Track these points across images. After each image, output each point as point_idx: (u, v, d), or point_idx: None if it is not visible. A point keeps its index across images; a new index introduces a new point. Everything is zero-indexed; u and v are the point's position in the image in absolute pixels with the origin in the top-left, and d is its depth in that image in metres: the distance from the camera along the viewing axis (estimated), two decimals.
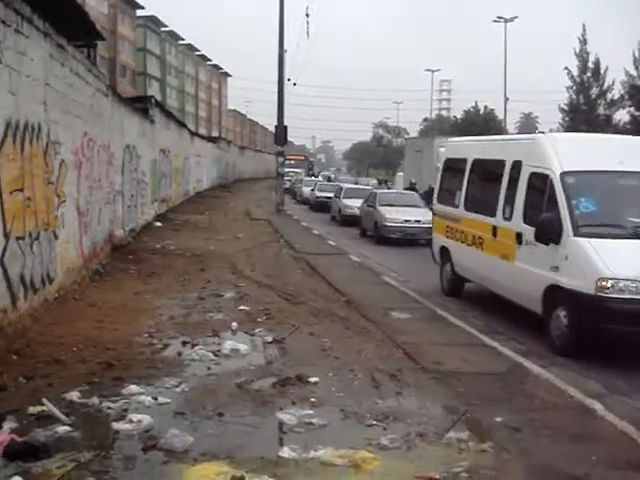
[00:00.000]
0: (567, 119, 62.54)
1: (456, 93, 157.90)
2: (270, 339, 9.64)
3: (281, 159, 36.30)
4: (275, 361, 8.69)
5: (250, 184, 70.77)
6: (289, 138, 38.37)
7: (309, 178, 55.43)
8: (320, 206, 37.55)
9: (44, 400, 6.64)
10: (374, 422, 6.67)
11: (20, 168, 9.11)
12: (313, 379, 7.83)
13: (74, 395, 6.96)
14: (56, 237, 10.99)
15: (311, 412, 6.81)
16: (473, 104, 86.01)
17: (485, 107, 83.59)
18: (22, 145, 9.22)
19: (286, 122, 35.99)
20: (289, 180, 51.67)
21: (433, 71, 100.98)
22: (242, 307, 11.68)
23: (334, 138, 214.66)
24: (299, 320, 10.89)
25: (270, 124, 73.38)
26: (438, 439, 6.31)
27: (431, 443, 6.24)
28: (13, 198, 8.79)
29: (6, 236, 8.54)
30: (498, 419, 6.90)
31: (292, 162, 65.15)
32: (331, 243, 22.94)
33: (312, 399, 7.20)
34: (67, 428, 6.15)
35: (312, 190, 41.37)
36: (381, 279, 15.78)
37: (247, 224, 28.09)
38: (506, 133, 77.16)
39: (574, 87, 60.65)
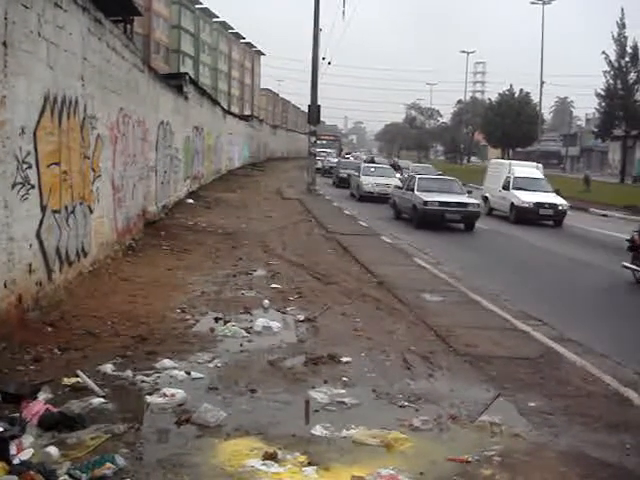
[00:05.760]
0: (604, 104, 61.71)
1: (491, 76, 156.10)
2: (302, 318, 9.65)
3: (313, 139, 36.19)
4: (307, 340, 8.70)
5: (282, 163, 70.79)
6: (321, 118, 38.14)
7: (371, 164, 41.40)
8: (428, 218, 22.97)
9: (79, 372, 6.72)
10: (406, 403, 6.66)
11: (57, 142, 9.17)
12: (345, 359, 7.83)
13: (108, 368, 7.04)
14: (91, 211, 11.07)
15: (343, 391, 6.82)
16: (508, 87, 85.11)
17: (520, 90, 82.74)
18: (60, 119, 9.27)
19: (319, 102, 35.87)
20: (320, 160, 51.10)
21: (468, 53, 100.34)
22: (274, 285, 11.71)
23: (366, 119, 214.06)
24: (331, 300, 10.90)
25: (302, 103, 73.43)
26: (470, 422, 6.29)
27: (463, 426, 6.21)
28: (50, 171, 8.86)
29: (43, 209, 8.63)
30: (531, 404, 6.85)
31: (324, 142, 64.98)
32: (362, 224, 22.87)
33: (344, 378, 7.21)
34: (101, 400, 6.22)
35: (405, 189, 25.31)
36: (413, 261, 15.72)
37: (278, 203, 28.13)
38: (541, 117, 76.60)
39: (611, 72, 59.77)
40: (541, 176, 28.95)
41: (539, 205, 26.01)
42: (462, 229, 23.45)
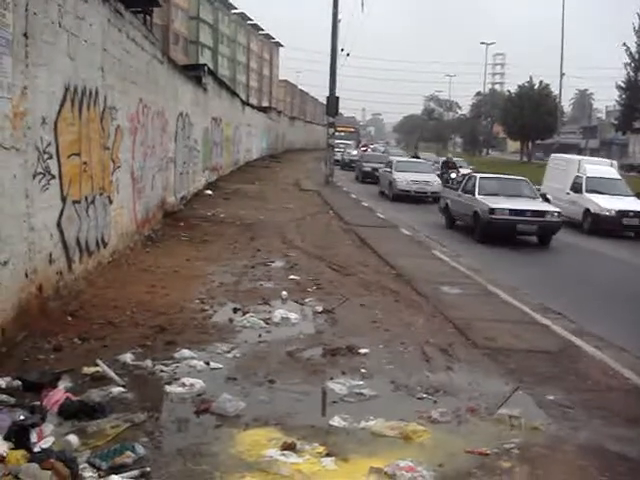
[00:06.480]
0: (624, 97, 61.19)
1: (510, 67, 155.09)
2: (320, 309, 9.65)
3: (331, 130, 36.10)
4: (325, 331, 8.71)
5: (299, 155, 70.66)
6: (339, 109, 37.96)
7: (404, 159, 38.95)
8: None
9: (98, 361, 6.76)
10: (425, 395, 6.65)
11: (77, 133, 9.21)
12: (363, 350, 7.83)
13: (128, 357, 7.07)
14: (111, 202, 11.12)
15: (361, 383, 6.83)
16: (527, 79, 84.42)
17: (540, 82, 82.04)
18: (80, 110, 9.31)
19: (337, 93, 35.75)
20: (340, 152, 50.64)
21: (487, 44, 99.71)
22: (292, 276, 11.72)
23: (384, 111, 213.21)
24: (349, 291, 10.89)
25: (321, 95, 73.00)
26: (489, 415, 6.26)
27: (482, 419, 6.19)
28: (70, 162, 8.90)
29: (63, 200, 8.68)
30: (550, 397, 6.82)
31: (342, 134, 64.69)
32: (380, 215, 22.83)
33: (362, 370, 7.21)
34: (121, 389, 6.26)
35: (461, 190, 20.78)
36: (432, 253, 15.68)
37: (296, 195, 28.12)
38: (561, 110, 76.01)
39: (632, 64, 59.21)
40: (618, 176, 24.40)
41: (622, 213, 21.30)
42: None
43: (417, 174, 30.16)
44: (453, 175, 31.40)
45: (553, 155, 30.47)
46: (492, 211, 18.13)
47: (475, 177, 20.79)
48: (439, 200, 23.79)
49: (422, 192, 29.07)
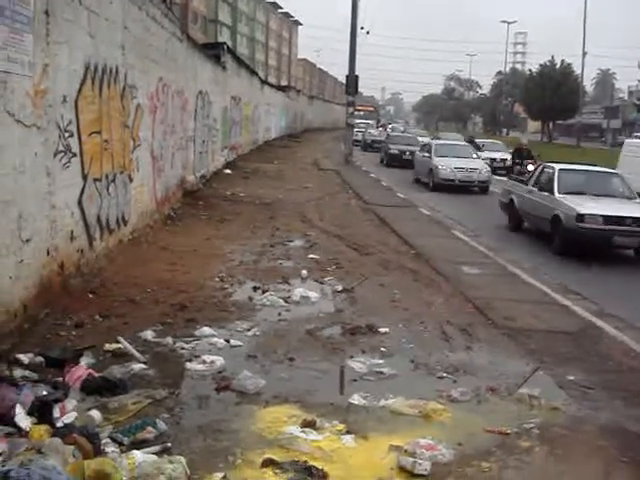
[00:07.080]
0: None
1: (531, 47, 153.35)
2: (340, 288, 9.65)
3: (351, 109, 35.93)
4: (345, 310, 8.72)
5: (318, 134, 70.50)
6: (359, 89, 37.67)
7: (445, 141, 33.91)
8: None
9: (120, 338, 6.81)
10: (444, 374, 6.65)
11: (98, 111, 9.22)
12: (383, 329, 7.84)
13: (149, 334, 7.13)
14: (131, 180, 11.15)
15: (381, 361, 6.84)
16: (549, 58, 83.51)
17: (562, 61, 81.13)
18: (100, 88, 9.31)
19: (356, 72, 35.49)
20: (361, 132, 50.23)
21: (509, 23, 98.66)
22: (311, 256, 11.72)
23: (404, 90, 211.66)
24: (368, 271, 10.88)
25: (340, 74, 72.84)
26: (509, 394, 6.26)
27: (502, 398, 6.19)
28: (91, 140, 8.91)
29: (84, 177, 8.70)
30: (571, 377, 6.79)
31: (361, 113, 64.29)
32: (400, 195, 22.74)
33: (382, 349, 7.22)
34: (142, 366, 6.31)
35: (533, 185, 16.20)
36: (451, 233, 15.63)
37: (315, 174, 28.08)
38: (582, 89, 75.19)
39: None
40: None
41: None
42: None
43: (461, 160, 26.05)
44: (530, 167, 22.21)
45: (628, 140, 25.12)
46: (581, 217, 13.55)
47: (553, 169, 15.86)
48: (487, 190, 22.65)
49: (468, 181, 25.57)
